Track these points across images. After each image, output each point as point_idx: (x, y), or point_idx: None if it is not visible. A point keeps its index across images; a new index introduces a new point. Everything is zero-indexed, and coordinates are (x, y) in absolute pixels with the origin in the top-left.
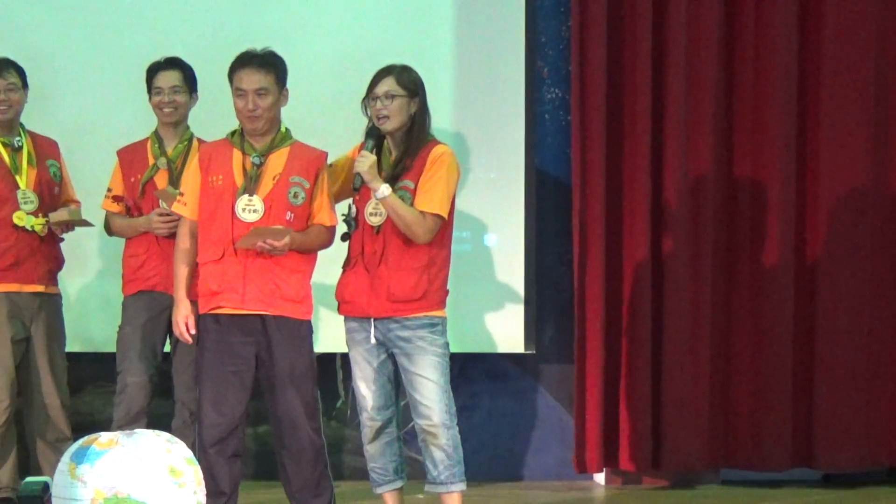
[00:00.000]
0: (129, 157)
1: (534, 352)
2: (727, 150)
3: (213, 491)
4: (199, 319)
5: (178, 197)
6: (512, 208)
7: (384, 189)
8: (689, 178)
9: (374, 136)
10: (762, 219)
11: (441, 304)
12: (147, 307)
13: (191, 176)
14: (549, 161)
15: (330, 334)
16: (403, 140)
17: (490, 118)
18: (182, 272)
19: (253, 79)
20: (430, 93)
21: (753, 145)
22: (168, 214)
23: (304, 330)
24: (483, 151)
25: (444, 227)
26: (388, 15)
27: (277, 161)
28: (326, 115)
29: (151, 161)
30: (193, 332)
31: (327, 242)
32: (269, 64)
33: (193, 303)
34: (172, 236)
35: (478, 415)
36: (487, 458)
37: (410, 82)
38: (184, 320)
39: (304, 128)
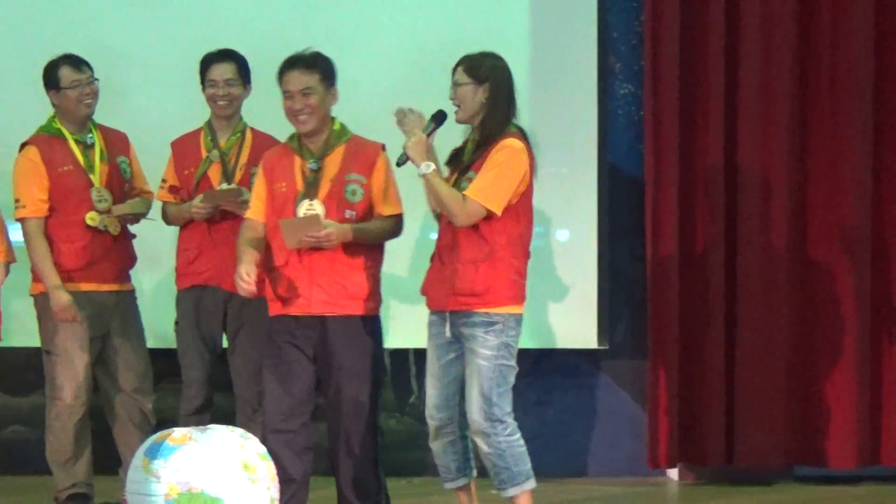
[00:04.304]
0: (183, 148)
1: (606, 347)
2: (801, 145)
3: (281, 478)
4: (269, 321)
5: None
6: (584, 204)
7: (424, 166)
8: (763, 173)
9: (435, 119)
10: (837, 215)
11: (501, 301)
12: (201, 302)
13: (258, 182)
14: (621, 156)
15: (402, 329)
16: (478, 131)
17: (562, 113)
18: (247, 249)
19: (298, 80)
20: None
21: (828, 141)
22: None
23: (367, 326)
24: (555, 147)
25: (504, 220)
26: (459, 10)
27: (334, 162)
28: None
29: (204, 154)
30: (254, 289)
31: (393, 232)
32: (313, 64)
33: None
34: (225, 229)
35: (550, 410)
36: (560, 453)
37: (478, 68)
38: (244, 270)
39: (374, 122)
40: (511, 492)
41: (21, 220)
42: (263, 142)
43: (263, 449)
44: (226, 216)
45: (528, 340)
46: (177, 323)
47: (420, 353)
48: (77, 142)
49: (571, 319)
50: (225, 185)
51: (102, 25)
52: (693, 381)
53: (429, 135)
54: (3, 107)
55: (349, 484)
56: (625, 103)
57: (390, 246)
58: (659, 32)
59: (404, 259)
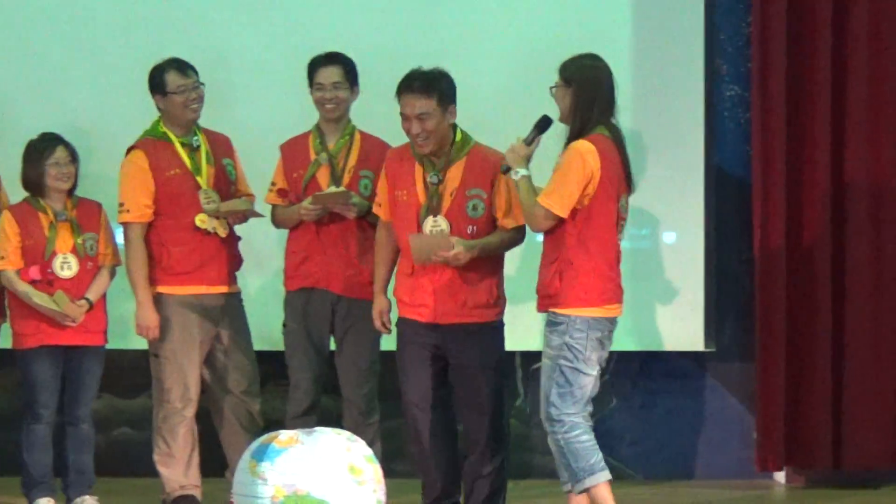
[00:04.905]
0: (291, 151)
1: (714, 350)
2: None
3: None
4: (398, 320)
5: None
6: (691, 206)
7: (513, 173)
8: (871, 175)
9: (538, 126)
10: None
11: (567, 302)
12: (310, 304)
13: (381, 185)
14: (728, 159)
15: (509, 332)
16: (568, 132)
17: (668, 115)
18: (381, 272)
19: (414, 104)
20: None
21: None
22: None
23: (492, 331)
24: (661, 149)
25: (573, 222)
26: (565, 12)
27: (455, 175)
28: (504, 112)
29: (313, 156)
30: (388, 328)
31: (515, 241)
32: (430, 86)
33: None
34: (333, 231)
35: (657, 413)
36: (666, 456)
37: (567, 70)
38: (378, 316)
39: (481, 125)
40: (579, 487)
41: (124, 225)
42: (372, 144)
43: (370, 451)
44: (334, 218)
45: (634, 343)
46: (285, 325)
47: (526, 356)
48: (183, 145)
49: (678, 322)
50: (333, 188)
51: (209, 29)
52: (801, 383)
53: (530, 142)
54: (111, 110)
55: (477, 484)
56: (731, 105)
57: None
58: (767, 34)
59: (510, 262)
